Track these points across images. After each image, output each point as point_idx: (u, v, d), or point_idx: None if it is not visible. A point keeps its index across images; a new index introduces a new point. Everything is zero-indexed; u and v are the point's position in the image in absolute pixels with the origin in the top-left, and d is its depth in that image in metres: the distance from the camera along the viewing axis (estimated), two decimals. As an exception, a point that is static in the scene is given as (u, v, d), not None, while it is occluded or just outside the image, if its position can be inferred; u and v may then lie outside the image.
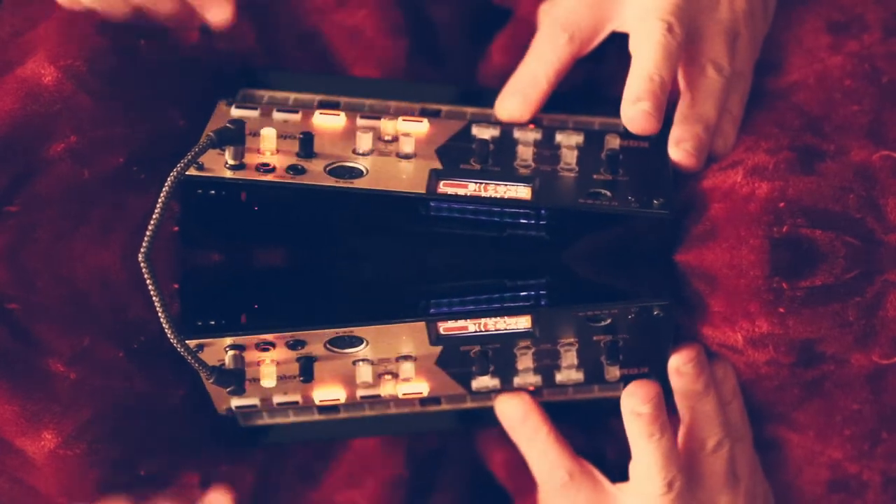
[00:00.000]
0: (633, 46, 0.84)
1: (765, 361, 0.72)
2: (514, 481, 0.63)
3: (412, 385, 0.68)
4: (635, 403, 0.66)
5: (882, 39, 0.87)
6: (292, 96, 0.87)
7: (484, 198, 0.82)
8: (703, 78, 0.85)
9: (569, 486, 0.61)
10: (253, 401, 0.66)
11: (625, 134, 0.86)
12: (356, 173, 0.82)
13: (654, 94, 0.82)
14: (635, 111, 0.82)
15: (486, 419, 0.66)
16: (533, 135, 0.85)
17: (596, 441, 0.67)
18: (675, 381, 0.68)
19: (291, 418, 0.66)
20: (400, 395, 0.67)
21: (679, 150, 0.84)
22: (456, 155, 0.84)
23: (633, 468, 0.61)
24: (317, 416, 0.66)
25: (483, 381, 0.68)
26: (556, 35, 0.86)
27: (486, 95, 0.87)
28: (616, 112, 0.84)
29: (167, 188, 0.77)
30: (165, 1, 0.84)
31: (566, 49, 0.86)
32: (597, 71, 0.92)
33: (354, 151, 0.83)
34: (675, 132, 0.84)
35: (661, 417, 0.64)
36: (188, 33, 0.87)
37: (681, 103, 0.85)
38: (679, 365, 0.70)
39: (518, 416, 0.66)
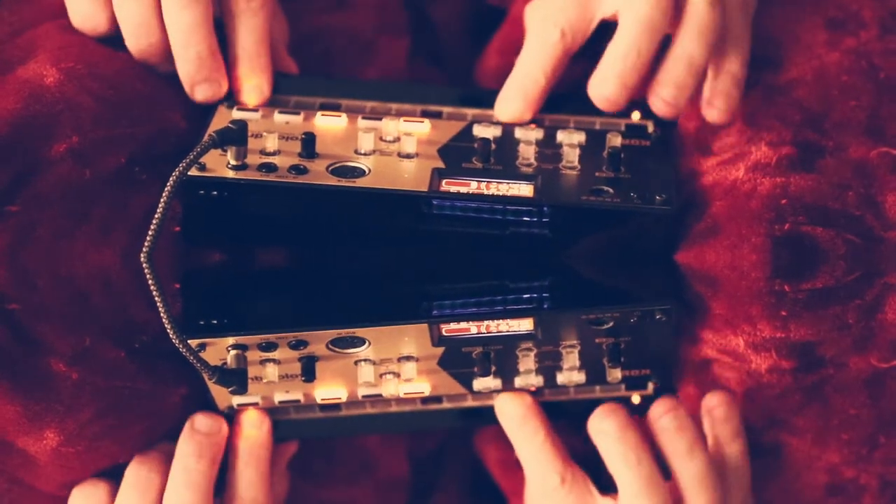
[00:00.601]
0: (622, 18, 0.84)
1: (766, 368, 0.72)
2: (509, 480, 0.64)
3: (414, 385, 0.68)
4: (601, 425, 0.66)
5: (879, 36, 0.87)
6: (293, 98, 0.87)
7: (486, 195, 0.82)
8: (689, 15, 0.84)
9: (559, 490, 0.62)
10: (254, 399, 0.66)
11: (626, 133, 0.86)
12: (358, 173, 0.82)
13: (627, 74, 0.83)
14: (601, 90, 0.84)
15: (488, 418, 0.66)
16: (534, 134, 0.85)
17: (592, 443, 0.67)
18: (658, 436, 0.65)
19: (293, 416, 0.66)
20: (401, 395, 0.67)
21: (657, 99, 0.84)
22: (458, 154, 0.84)
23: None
24: (318, 414, 0.66)
25: (484, 382, 0.69)
26: (547, 32, 0.85)
27: (488, 97, 0.87)
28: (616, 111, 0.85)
29: (169, 188, 0.77)
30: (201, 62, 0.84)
31: (559, 45, 0.85)
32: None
33: (356, 151, 0.83)
34: (656, 78, 0.84)
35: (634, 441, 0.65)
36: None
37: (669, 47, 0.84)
38: (656, 417, 0.67)
39: (518, 417, 0.66)
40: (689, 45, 0.83)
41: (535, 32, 0.86)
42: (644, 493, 0.61)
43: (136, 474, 0.61)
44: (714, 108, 0.85)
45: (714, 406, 0.67)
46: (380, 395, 0.67)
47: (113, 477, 0.61)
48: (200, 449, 0.62)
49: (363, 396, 0.67)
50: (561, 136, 0.85)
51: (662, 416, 0.66)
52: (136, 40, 0.83)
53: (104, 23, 0.83)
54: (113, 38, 0.84)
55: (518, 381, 0.69)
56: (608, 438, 0.65)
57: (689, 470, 0.62)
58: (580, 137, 0.85)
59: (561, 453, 0.63)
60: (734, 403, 0.68)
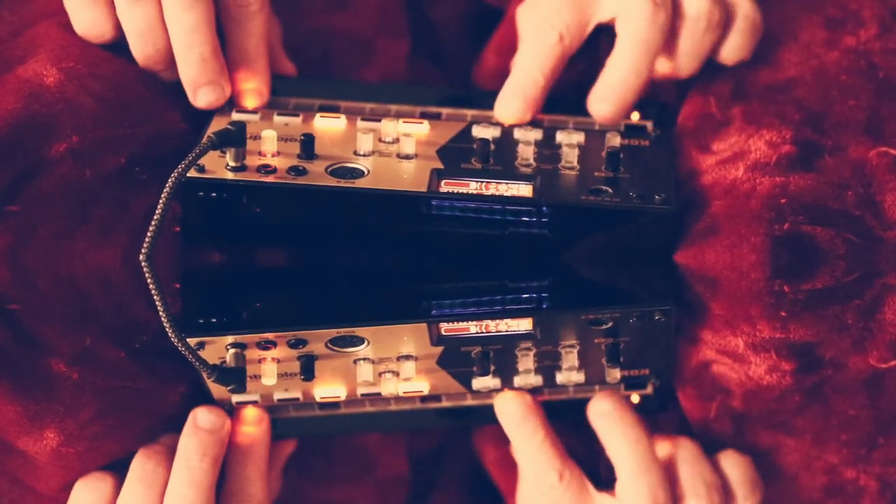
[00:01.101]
0: (620, 28, 0.85)
1: (766, 369, 0.72)
2: (507, 480, 0.64)
3: (413, 384, 0.69)
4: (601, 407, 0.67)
5: (878, 35, 0.87)
6: (292, 101, 0.87)
7: (485, 196, 0.82)
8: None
9: (557, 487, 0.62)
10: (253, 397, 0.66)
11: (625, 133, 0.86)
12: (357, 174, 0.82)
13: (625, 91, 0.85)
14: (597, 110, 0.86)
15: (486, 416, 0.66)
16: (533, 134, 0.85)
17: (588, 441, 0.67)
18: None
19: (292, 413, 0.66)
20: (400, 394, 0.67)
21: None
22: (457, 155, 0.84)
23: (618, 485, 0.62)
24: (317, 412, 0.66)
25: (484, 382, 0.69)
26: (546, 35, 0.85)
27: (487, 98, 0.87)
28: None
29: (167, 190, 0.77)
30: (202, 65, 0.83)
31: (558, 48, 0.85)
32: (593, 72, 0.92)
33: (355, 153, 0.83)
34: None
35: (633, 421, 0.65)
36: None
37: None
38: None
39: (517, 415, 0.66)
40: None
41: (532, 34, 0.86)
42: (642, 470, 0.61)
43: (142, 468, 0.61)
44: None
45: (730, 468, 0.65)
46: (379, 394, 0.67)
47: (116, 470, 0.61)
48: (203, 447, 0.62)
49: (362, 395, 0.67)
50: (560, 136, 0.85)
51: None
52: (142, 46, 0.82)
53: (109, 30, 0.83)
54: (115, 46, 0.84)
55: (517, 381, 0.69)
56: (607, 419, 0.65)
57: (691, 473, 0.62)
58: (579, 138, 0.85)
59: (559, 451, 0.63)
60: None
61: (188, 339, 0.71)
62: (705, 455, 0.64)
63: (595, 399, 0.67)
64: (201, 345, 0.72)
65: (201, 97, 0.83)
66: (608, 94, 0.85)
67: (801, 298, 0.81)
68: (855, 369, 0.71)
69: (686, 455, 0.64)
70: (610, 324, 0.80)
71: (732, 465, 0.63)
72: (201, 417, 0.64)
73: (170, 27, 0.81)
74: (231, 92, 0.84)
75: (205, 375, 0.68)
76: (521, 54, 0.86)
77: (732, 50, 0.86)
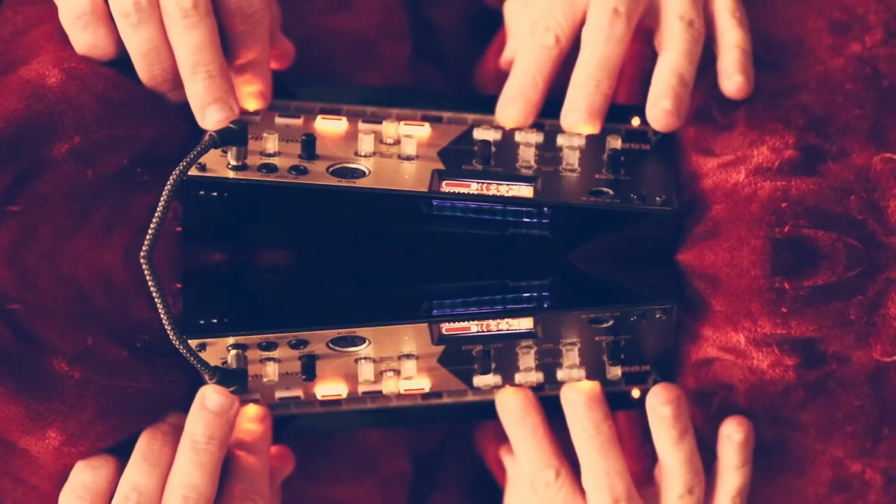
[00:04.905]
0: (583, 34, 0.86)
1: (769, 364, 0.71)
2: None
3: (414, 382, 0.68)
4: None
5: (884, 41, 0.87)
6: (293, 104, 0.87)
7: (486, 196, 0.82)
8: (673, 34, 0.86)
9: (552, 485, 0.62)
10: (254, 396, 0.66)
11: (626, 136, 0.86)
12: (358, 174, 0.82)
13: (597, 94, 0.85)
14: (570, 121, 0.86)
15: (487, 412, 0.66)
16: (535, 137, 0.85)
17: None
18: (651, 422, 0.66)
19: (293, 411, 0.66)
20: (401, 391, 0.67)
21: (656, 109, 0.85)
22: (458, 157, 0.84)
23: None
24: (318, 409, 0.66)
25: (485, 380, 0.69)
26: (542, 37, 0.86)
27: (488, 102, 0.87)
28: (614, 117, 0.85)
29: (169, 188, 0.77)
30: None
31: (555, 49, 0.86)
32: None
33: (356, 153, 0.83)
34: (652, 92, 0.86)
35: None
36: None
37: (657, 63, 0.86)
38: (655, 405, 0.67)
39: (518, 412, 0.66)
40: (675, 63, 0.86)
41: (527, 36, 0.86)
42: (601, 460, 0.62)
43: (149, 447, 0.61)
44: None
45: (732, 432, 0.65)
46: (380, 392, 0.67)
47: (115, 453, 0.61)
48: (211, 429, 0.62)
49: (363, 393, 0.67)
50: (561, 139, 0.85)
51: (663, 405, 0.66)
52: (149, 67, 0.82)
53: (112, 51, 0.82)
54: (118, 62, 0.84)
55: (518, 378, 0.69)
56: (576, 408, 0.66)
57: (675, 454, 0.62)
58: (580, 141, 0.85)
59: (557, 449, 0.63)
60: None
61: (190, 341, 0.71)
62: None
63: (566, 386, 0.67)
64: (203, 346, 0.72)
65: (210, 116, 0.81)
66: (576, 105, 0.85)
67: (803, 295, 0.80)
68: (858, 363, 0.71)
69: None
70: (611, 322, 0.80)
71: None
72: (209, 398, 0.64)
73: (175, 47, 0.81)
74: (240, 111, 0.83)
75: (206, 377, 0.68)
76: (520, 57, 0.87)
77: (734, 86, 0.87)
